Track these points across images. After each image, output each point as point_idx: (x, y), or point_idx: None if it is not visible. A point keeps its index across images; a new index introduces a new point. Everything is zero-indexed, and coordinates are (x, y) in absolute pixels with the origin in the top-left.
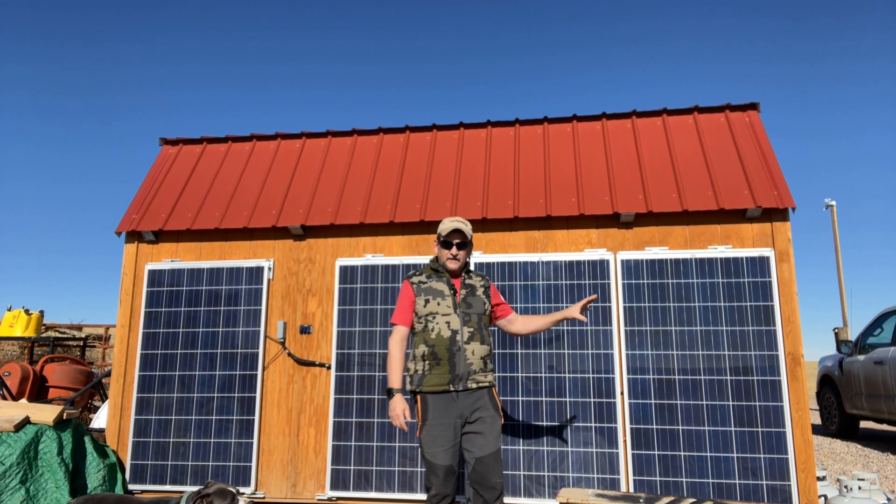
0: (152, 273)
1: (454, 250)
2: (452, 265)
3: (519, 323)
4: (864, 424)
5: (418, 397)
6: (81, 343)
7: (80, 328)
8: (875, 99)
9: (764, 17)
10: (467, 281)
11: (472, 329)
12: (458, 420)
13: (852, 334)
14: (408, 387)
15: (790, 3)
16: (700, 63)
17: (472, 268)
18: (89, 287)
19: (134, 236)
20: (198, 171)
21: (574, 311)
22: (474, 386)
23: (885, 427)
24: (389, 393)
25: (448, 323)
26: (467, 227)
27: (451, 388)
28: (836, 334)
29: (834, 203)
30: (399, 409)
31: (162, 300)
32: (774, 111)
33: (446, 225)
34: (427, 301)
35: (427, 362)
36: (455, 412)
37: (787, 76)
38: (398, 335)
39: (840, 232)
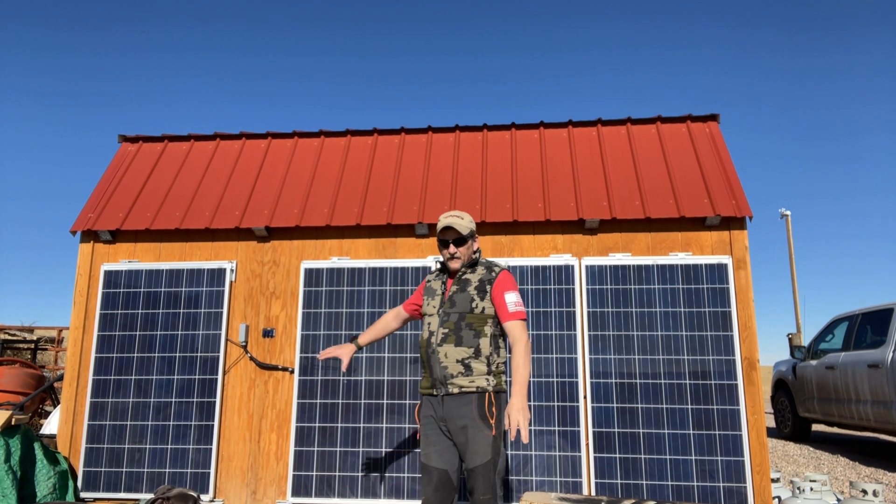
0: (108, 274)
1: (451, 248)
2: (454, 265)
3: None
4: (815, 427)
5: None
6: (33, 346)
7: (31, 330)
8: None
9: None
10: (463, 276)
11: (447, 330)
12: (443, 424)
13: (805, 340)
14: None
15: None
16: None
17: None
18: (42, 287)
19: (90, 236)
20: (158, 169)
21: (514, 419)
22: (456, 391)
23: (835, 430)
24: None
25: (429, 324)
26: (463, 220)
27: (435, 393)
28: (790, 340)
29: (789, 213)
30: (333, 347)
31: (118, 302)
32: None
33: (440, 222)
34: (427, 301)
35: (420, 365)
36: (439, 415)
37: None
38: (395, 308)
39: (795, 242)
